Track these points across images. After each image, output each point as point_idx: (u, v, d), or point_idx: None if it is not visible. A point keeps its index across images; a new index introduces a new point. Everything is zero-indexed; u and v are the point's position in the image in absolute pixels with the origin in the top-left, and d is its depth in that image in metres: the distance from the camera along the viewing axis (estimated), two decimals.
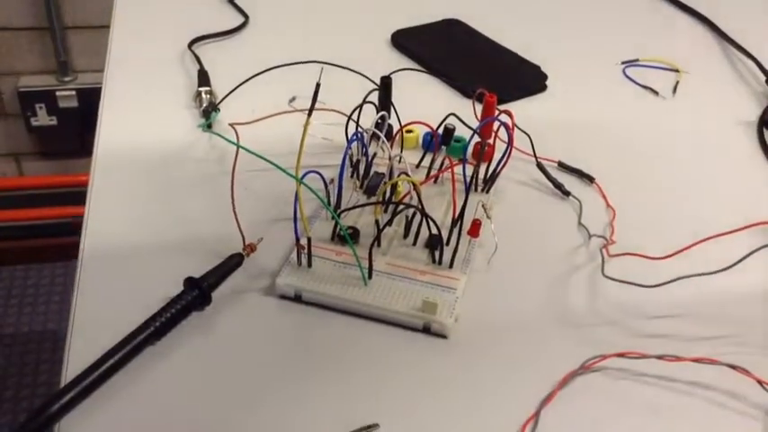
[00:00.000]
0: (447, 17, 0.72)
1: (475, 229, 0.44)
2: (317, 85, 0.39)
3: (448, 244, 0.44)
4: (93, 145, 0.53)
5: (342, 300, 0.41)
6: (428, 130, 0.50)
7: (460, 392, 0.38)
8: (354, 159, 0.49)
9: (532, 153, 0.52)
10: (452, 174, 0.44)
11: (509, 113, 0.47)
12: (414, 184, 0.42)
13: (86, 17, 1.33)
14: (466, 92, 0.60)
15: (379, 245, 0.44)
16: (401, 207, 0.44)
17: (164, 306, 0.39)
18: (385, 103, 0.51)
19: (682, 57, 0.67)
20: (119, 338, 0.37)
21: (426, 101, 0.59)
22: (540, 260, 0.46)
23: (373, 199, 0.46)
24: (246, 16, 0.70)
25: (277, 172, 0.40)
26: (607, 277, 0.43)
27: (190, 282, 0.40)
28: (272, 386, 0.37)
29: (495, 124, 0.49)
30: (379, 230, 0.43)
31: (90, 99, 1.35)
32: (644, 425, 0.37)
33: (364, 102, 0.49)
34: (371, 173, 0.49)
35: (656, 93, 0.63)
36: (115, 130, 0.54)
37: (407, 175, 0.44)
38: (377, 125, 0.48)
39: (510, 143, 0.47)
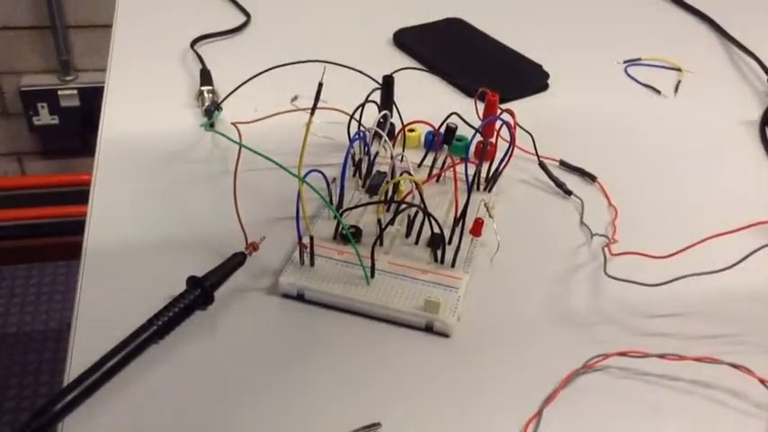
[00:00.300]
0: (449, 16, 0.72)
1: (477, 228, 0.44)
2: (320, 85, 0.39)
3: (450, 243, 0.44)
4: (95, 144, 0.53)
5: (344, 299, 0.41)
6: (430, 129, 0.50)
7: (463, 391, 0.38)
8: (356, 158, 0.49)
9: (534, 152, 0.52)
10: (454, 173, 0.44)
11: (511, 112, 0.47)
12: (416, 184, 0.42)
13: (88, 16, 1.33)
14: (468, 91, 0.60)
15: (381, 244, 0.44)
16: (403, 206, 0.44)
17: (166, 305, 0.39)
18: (387, 102, 0.51)
19: (684, 56, 0.67)
20: (122, 337, 0.37)
21: (428, 100, 0.59)
22: (542, 259, 0.46)
23: (375, 198, 0.46)
24: (248, 15, 0.70)
25: (279, 171, 0.41)
26: (609, 276, 0.43)
27: (192, 281, 0.40)
28: (275, 385, 0.37)
29: (498, 123, 0.49)
30: (382, 229, 0.43)
31: (92, 98, 1.36)
32: (646, 424, 0.37)
33: (366, 101, 0.49)
34: (373, 172, 0.49)
35: (657, 92, 0.63)
36: (117, 129, 0.54)
37: (409, 174, 0.44)
38: (379, 124, 0.48)
39: (512, 142, 0.47)
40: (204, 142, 0.53)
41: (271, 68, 0.54)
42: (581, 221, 0.48)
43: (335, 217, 0.44)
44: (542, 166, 0.52)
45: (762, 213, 0.46)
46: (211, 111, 0.55)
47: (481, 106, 0.50)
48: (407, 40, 0.68)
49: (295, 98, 0.57)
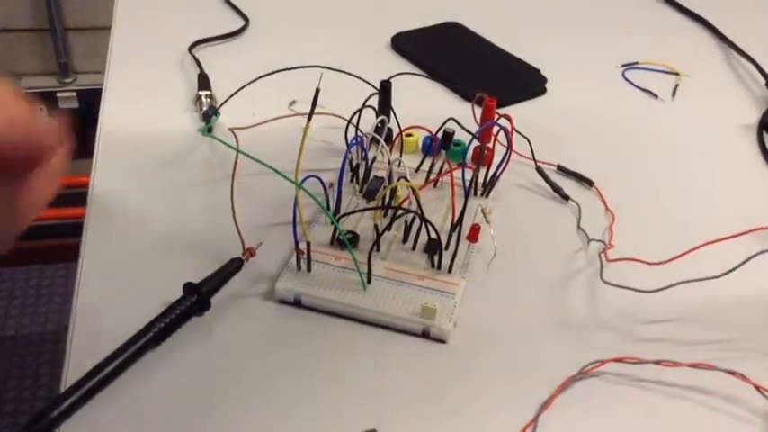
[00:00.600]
0: (447, 20, 0.72)
1: (474, 233, 0.44)
2: (317, 91, 0.39)
3: (447, 248, 0.44)
4: (93, 147, 0.53)
5: (341, 304, 0.41)
6: (427, 134, 0.50)
7: (459, 397, 0.38)
8: (354, 163, 0.49)
9: (532, 157, 0.52)
10: (452, 178, 0.44)
11: (508, 118, 0.48)
12: (413, 189, 0.43)
13: (87, 18, 1.34)
14: (465, 95, 0.61)
15: (378, 249, 0.44)
16: (400, 212, 0.44)
17: (163, 311, 0.39)
18: (384, 107, 0.51)
19: (681, 60, 0.67)
20: (119, 343, 0.37)
21: (426, 105, 0.59)
22: (538, 265, 0.46)
23: (372, 203, 0.46)
24: (247, 19, 0.70)
25: (276, 176, 0.41)
26: (606, 282, 0.43)
27: (189, 287, 0.40)
28: (272, 391, 0.37)
29: (495, 128, 0.49)
30: (379, 235, 0.43)
31: (90, 101, 1.36)
32: (642, 429, 0.37)
33: (364, 106, 0.49)
34: (371, 177, 0.49)
35: (655, 96, 0.64)
36: (115, 132, 0.54)
37: (407, 179, 0.44)
38: (376, 129, 0.48)
39: (509, 147, 0.47)
40: (202, 147, 0.54)
41: (269, 73, 0.54)
42: (578, 226, 0.48)
43: (332, 222, 0.44)
44: (539, 170, 0.52)
45: (759, 219, 0.46)
46: (209, 115, 0.55)
47: (478, 111, 0.50)
48: (405, 44, 0.68)
49: (293, 103, 0.57)
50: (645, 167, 0.55)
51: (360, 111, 0.48)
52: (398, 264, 0.43)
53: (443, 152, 0.51)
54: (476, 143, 0.49)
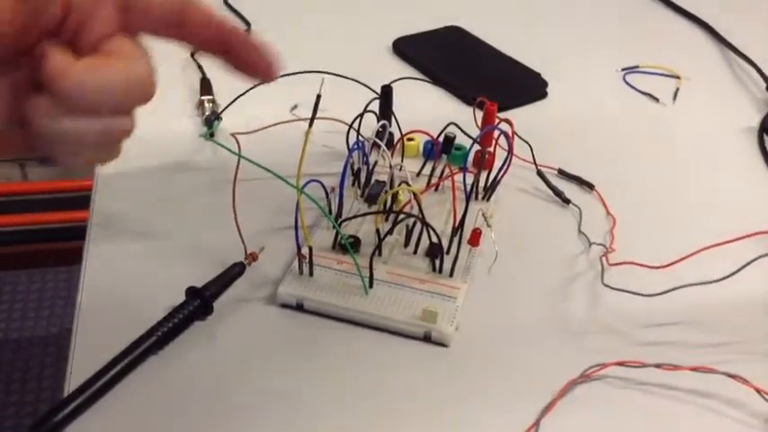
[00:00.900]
0: (448, 24, 0.72)
1: (475, 238, 0.44)
2: (318, 97, 0.39)
3: (448, 253, 0.44)
4: None
5: (343, 308, 0.41)
6: (429, 138, 0.50)
7: (460, 401, 0.38)
8: (355, 168, 0.49)
9: (533, 161, 0.52)
10: (453, 182, 0.44)
11: (509, 122, 0.48)
12: (414, 193, 0.43)
13: None
14: (467, 100, 0.61)
15: (379, 254, 0.44)
16: (402, 216, 0.44)
17: (166, 315, 0.39)
18: (386, 111, 0.51)
19: (682, 63, 0.67)
20: (122, 347, 0.38)
21: (427, 109, 0.59)
22: (540, 268, 0.46)
23: (374, 208, 0.47)
24: (248, 24, 0.70)
25: (278, 181, 0.41)
26: (607, 286, 0.43)
27: (192, 291, 0.41)
28: (274, 394, 0.38)
29: (496, 132, 0.49)
30: (380, 239, 0.43)
31: None
32: None
33: (365, 110, 0.49)
34: (372, 181, 0.49)
35: (656, 99, 0.64)
36: None
37: (408, 183, 0.44)
38: (378, 134, 0.48)
39: (510, 151, 0.47)
40: (204, 152, 0.54)
41: None
42: (579, 230, 0.49)
43: (334, 227, 0.44)
44: (540, 174, 0.52)
45: (760, 223, 0.46)
46: (211, 120, 0.55)
47: (479, 115, 0.50)
48: (407, 48, 0.68)
49: (294, 107, 0.57)
50: (646, 171, 0.55)
51: (361, 115, 0.49)
52: (400, 268, 0.43)
53: (444, 156, 0.51)
54: (477, 147, 0.50)
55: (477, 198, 0.49)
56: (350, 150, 0.47)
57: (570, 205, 0.50)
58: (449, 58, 0.68)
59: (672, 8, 0.78)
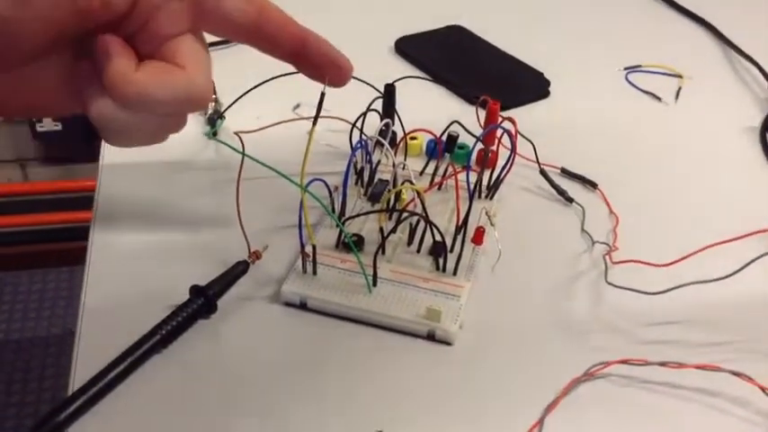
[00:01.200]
0: (450, 24, 0.72)
1: (478, 236, 0.44)
2: (322, 95, 0.39)
3: (452, 251, 0.44)
4: (98, 150, 0.53)
5: (346, 307, 0.41)
6: (432, 137, 0.50)
7: (464, 399, 0.38)
8: (358, 167, 0.49)
9: (536, 159, 0.52)
10: (456, 181, 0.44)
11: (512, 121, 0.48)
12: (418, 192, 0.43)
13: None
14: (469, 99, 0.61)
15: (383, 252, 0.44)
16: (405, 214, 0.44)
17: (170, 314, 0.39)
18: (389, 110, 0.51)
19: (684, 62, 0.67)
20: (125, 345, 0.38)
21: (430, 108, 0.59)
22: (543, 267, 0.46)
23: (377, 206, 0.47)
24: None
25: (282, 179, 0.41)
26: (610, 284, 0.43)
27: (195, 290, 0.41)
28: (277, 393, 0.38)
29: (499, 131, 0.49)
30: (384, 238, 0.43)
31: None
32: (647, 431, 0.37)
33: (368, 109, 0.49)
34: (375, 180, 0.49)
35: (658, 99, 0.64)
36: None
37: (411, 182, 0.44)
38: (381, 133, 0.48)
39: (513, 150, 0.47)
40: (207, 151, 0.54)
41: (274, 77, 0.54)
42: (582, 229, 0.49)
43: (338, 225, 0.44)
44: (543, 173, 0.52)
45: (763, 221, 0.46)
46: (214, 119, 0.55)
47: (482, 114, 0.50)
48: (409, 48, 0.68)
49: (297, 106, 0.57)
50: (649, 170, 0.55)
51: (364, 114, 0.49)
52: (403, 266, 0.43)
53: (448, 155, 0.51)
54: (480, 146, 0.50)
55: (480, 197, 0.49)
56: (353, 149, 0.47)
57: (573, 204, 0.51)
58: (451, 57, 0.68)
59: (674, 7, 0.78)
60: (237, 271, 0.42)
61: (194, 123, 0.57)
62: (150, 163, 0.52)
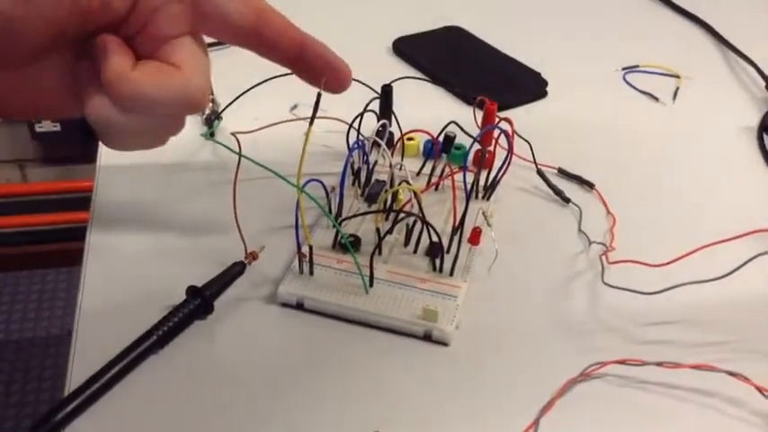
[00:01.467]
0: (448, 24, 0.72)
1: (475, 236, 0.44)
2: (319, 95, 0.39)
3: (448, 252, 0.44)
4: (96, 151, 0.53)
5: (343, 307, 0.41)
6: (429, 137, 0.50)
7: (461, 399, 0.38)
8: (355, 167, 0.49)
9: (533, 160, 0.52)
10: (453, 181, 0.44)
11: (509, 121, 0.48)
12: (414, 192, 0.43)
13: None
14: (467, 99, 0.61)
15: (380, 253, 0.44)
16: (402, 215, 0.44)
17: (166, 315, 0.39)
18: (386, 111, 0.51)
19: (682, 63, 0.67)
20: (122, 346, 0.38)
21: (427, 108, 0.59)
22: (540, 267, 0.46)
23: (374, 207, 0.47)
24: None
25: (279, 180, 0.41)
26: (607, 284, 0.43)
27: (192, 290, 0.41)
28: (274, 394, 0.38)
29: (496, 132, 0.49)
30: (380, 238, 0.43)
31: None
32: (643, 431, 0.37)
33: (365, 110, 0.49)
34: (372, 181, 0.49)
35: (656, 99, 0.64)
36: None
37: (408, 182, 0.44)
38: (378, 133, 0.48)
39: (510, 151, 0.47)
40: (204, 151, 0.54)
41: (271, 78, 0.54)
42: (579, 229, 0.49)
43: (334, 226, 0.44)
44: (540, 173, 0.52)
45: (759, 221, 0.46)
46: (211, 120, 0.55)
47: (480, 114, 0.50)
48: (406, 48, 0.68)
49: (294, 107, 0.57)
50: (646, 170, 0.55)
51: (361, 115, 0.49)
52: (400, 267, 0.44)
53: (444, 156, 0.51)
54: (477, 146, 0.50)
55: (477, 197, 0.49)
56: (350, 150, 0.47)
57: (570, 204, 0.51)
58: (449, 57, 0.68)
59: (671, 7, 0.78)
60: (234, 272, 0.42)
61: (191, 124, 0.56)
62: (147, 164, 0.52)
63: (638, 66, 0.67)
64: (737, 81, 0.67)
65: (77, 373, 0.37)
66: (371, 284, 0.42)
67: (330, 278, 0.42)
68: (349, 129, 0.49)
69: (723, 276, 0.40)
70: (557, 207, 0.51)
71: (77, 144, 1.44)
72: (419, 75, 0.64)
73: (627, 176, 0.54)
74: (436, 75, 0.64)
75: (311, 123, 0.40)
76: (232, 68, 0.63)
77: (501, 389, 0.38)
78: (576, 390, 0.38)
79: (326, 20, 0.74)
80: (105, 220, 0.47)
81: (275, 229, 0.46)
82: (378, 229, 0.43)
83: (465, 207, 0.44)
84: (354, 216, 0.46)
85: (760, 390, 0.37)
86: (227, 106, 0.55)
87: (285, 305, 0.42)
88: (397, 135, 0.51)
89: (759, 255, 0.41)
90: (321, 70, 0.38)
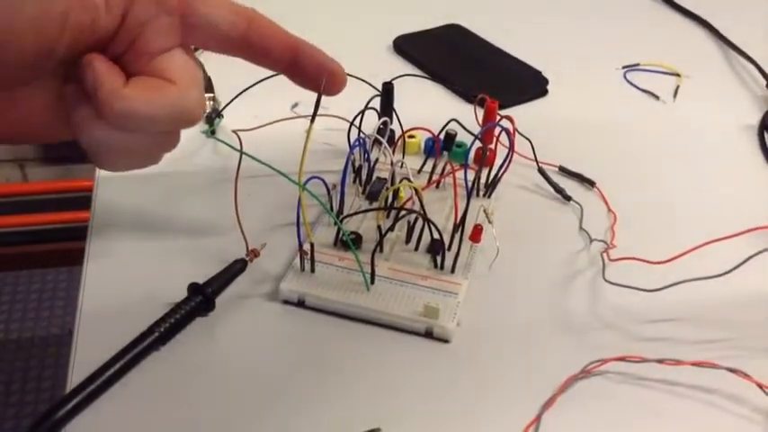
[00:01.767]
0: (449, 22, 0.72)
1: (476, 234, 0.44)
2: (319, 93, 0.40)
3: (449, 249, 0.44)
4: None
5: (344, 305, 0.41)
6: (430, 135, 0.50)
7: (462, 396, 0.38)
8: (357, 165, 0.49)
9: (533, 158, 0.52)
10: (454, 179, 0.44)
11: (510, 119, 0.48)
12: (416, 190, 0.43)
13: None
14: (467, 97, 0.61)
15: (381, 250, 0.44)
16: (403, 212, 0.44)
17: (168, 312, 0.39)
18: (387, 108, 0.51)
19: (682, 61, 0.67)
20: (123, 344, 0.38)
21: (428, 106, 0.59)
22: (541, 265, 0.46)
23: (375, 204, 0.47)
24: None
25: (280, 178, 0.41)
26: (608, 282, 0.44)
27: (194, 287, 0.41)
28: (275, 391, 0.38)
29: (497, 129, 0.49)
30: (382, 236, 0.43)
31: None
32: (645, 428, 0.37)
33: (366, 108, 0.49)
34: (373, 178, 0.49)
35: (656, 97, 0.64)
36: None
37: (409, 180, 0.44)
38: (379, 131, 0.48)
39: (511, 148, 0.48)
40: (205, 149, 0.54)
41: (271, 76, 0.54)
42: (580, 227, 0.49)
43: (336, 223, 0.44)
44: (541, 171, 0.52)
45: (759, 219, 0.46)
46: (212, 118, 0.55)
47: (480, 112, 0.50)
48: (407, 46, 0.68)
49: (295, 105, 0.57)
50: (646, 168, 0.55)
51: (362, 113, 0.49)
52: (401, 264, 0.44)
53: (446, 153, 0.51)
54: (478, 144, 0.50)
55: (478, 195, 0.49)
56: (351, 147, 0.47)
57: (571, 202, 0.51)
58: (449, 55, 0.68)
59: (672, 6, 0.78)
60: (235, 269, 0.42)
61: None
62: None
63: (638, 64, 0.67)
64: (738, 79, 0.67)
65: (78, 373, 0.37)
66: (373, 282, 0.42)
67: (331, 275, 0.42)
68: (350, 126, 0.49)
69: (724, 274, 0.40)
70: (558, 205, 0.51)
71: (78, 143, 1.44)
72: (420, 73, 0.64)
73: (628, 175, 0.54)
74: (437, 73, 0.64)
75: (312, 121, 0.40)
76: (232, 66, 0.63)
77: (502, 386, 0.38)
78: (578, 386, 0.38)
79: (327, 18, 0.74)
80: (106, 219, 0.47)
81: (276, 226, 0.46)
82: (379, 227, 0.43)
83: (466, 205, 0.44)
84: (356, 213, 0.46)
85: (761, 386, 0.37)
86: (227, 104, 0.55)
87: (286, 302, 0.42)
88: (398, 133, 0.51)
89: (760, 252, 0.41)
90: (315, 74, 0.37)
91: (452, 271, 0.43)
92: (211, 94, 0.58)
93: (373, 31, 0.70)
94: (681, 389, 0.38)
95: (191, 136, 0.55)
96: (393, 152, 0.49)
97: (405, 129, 0.51)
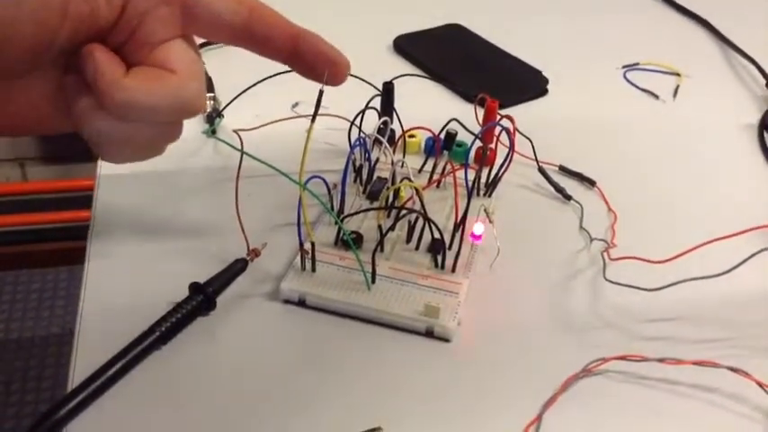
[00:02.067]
0: (449, 22, 0.72)
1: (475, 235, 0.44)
2: (320, 93, 0.40)
3: (450, 248, 0.44)
4: None
5: (345, 304, 0.41)
6: (430, 135, 0.50)
7: (463, 396, 0.38)
8: (357, 165, 0.49)
9: (534, 157, 0.52)
10: (454, 178, 0.44)
11: (510, 119, 0.48)
12: (416, 189, 0.43)
13: None
14: (468, 96, 0.61)
15: (382, 249, 0.44)
16: (404, 212, 0.44)
17: (169, 311, 0.39)
18: (387, 108, 0.51)
19: (682, 60, 0.67)
20: (124, 343, 0.38)
21: (428, 106, 0.59)
22: (541, 264, 0.46)
23: (376, 204, 0.47)
24: None
25: (281, 177, 0.41)
26: (608, 281, 0.44)
27: (194, 287, 0.41)
28: (276, 390, 0.38)
29: (497, 129, 0.49)
30: (382, 235, 0.43)
31: None
32: (645, 427, 0.37)
33: (367, 107, 0.49)
34: (374, 178, 0.49)
35: (656, 97, 0.64)
36: None
37: (410, 179, 0.44)
38: (379, 130, 0.48)
39: (511, 148, 0.48)
40: (206, 149, 0.54)
41: (272, 75, 0.54)
42: (580, 226, 0.49)
43: (336, 223, 0.44)
44: (542, 171, 0.52)
45: (760, 218, 0.46)
46: (213, 117, 0.55)
47: (481, 112, 0.50)
48: (407, 46, 0.68)
49: (296, 105, 0.57)
50: (647, 167, 0.56)
51: (363, 112, 0.49)
52: (402, 263, 0.44)
53: (446, 153, 0.51)
54: (478, 144, 0.50)
55: (478, 194, 0.49)
56: (352, 147, 0.47)
57: (571, 201, 0.51)
58: (450, 55, 0.68)
59: (672, 6, 0.78)
60: (236, 268, 0.43)
61: (193, 121, 0.56)
62: (148, 162, 0.52)
63: (638, 64, 0.67)
64: (738, 79, 0.67)
65: (80, 372, 0.37)
66: (373, 281, 0.42)
67: (332, 275, 0.43)
68: (350, 126, 0.49)
69: (724, 273, 0.41)
70: (558, 204, 0.51)
71: (78, 142, 1.44)
72: (420, 72, 0.64)
73: (628, 174, 0.54)
74: (437, 72, 0.64)
75: (313, 120, 0.40)
76: (233, 66, 0.63)
77: (503, 385, 0.39)
78: (579, 386, 0.38)
79: (328, 18, 0.74)
80: (107, 219, 0.47)
81: (277, 225, 0.47)
82: (380, 226, 0.43)
83: (467, 204, 0.44)
84: (356, 213, 0.46)
85: (761, 385, 0.37)
86: (228, 104, 0.55)
87: (287, 302, 0.42)
88: (398, 132, 0.51)
89: (760, 251, 0.41)
90: (318, 63, 0.37)
91: (453, 270, 0.43)
92: (212, 94, 0.58)
93: (373, 31, 0.70)
94: (681, 388, 0.38)
95: (191, 136, 0.55)
96: (393, 152, 0.49)
97: (405, 128, 0.51)
